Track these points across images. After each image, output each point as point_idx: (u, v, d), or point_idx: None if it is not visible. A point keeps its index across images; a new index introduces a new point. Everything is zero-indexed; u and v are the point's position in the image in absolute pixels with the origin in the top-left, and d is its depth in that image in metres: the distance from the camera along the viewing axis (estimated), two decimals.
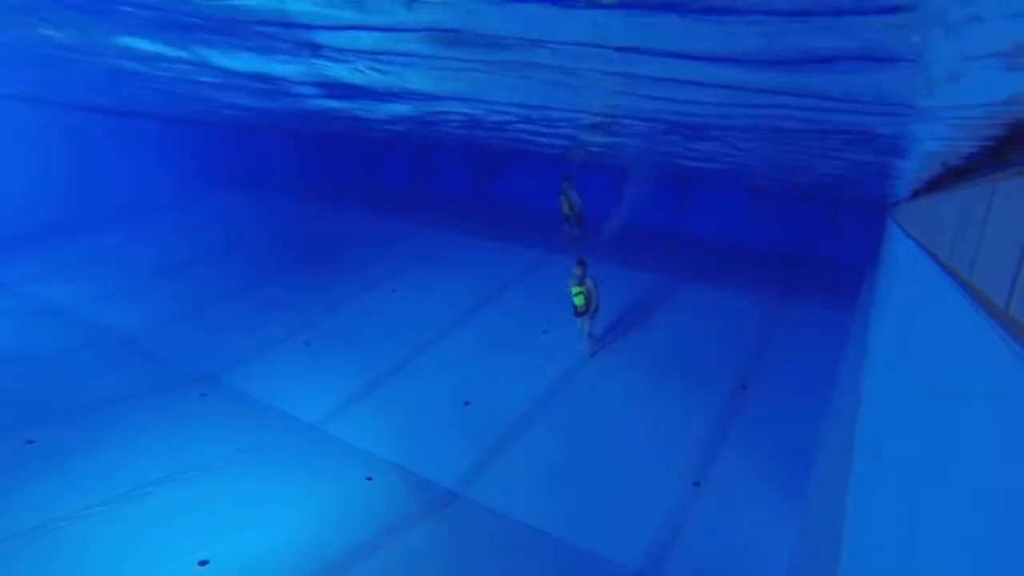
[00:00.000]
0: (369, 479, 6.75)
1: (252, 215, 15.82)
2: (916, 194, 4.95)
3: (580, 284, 8.24)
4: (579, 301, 8.34)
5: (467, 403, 8.06)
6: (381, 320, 10.36)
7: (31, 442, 6.90)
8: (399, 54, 3.12)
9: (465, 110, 5.87)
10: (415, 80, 3.97)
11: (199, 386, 8.74)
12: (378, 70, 3.67)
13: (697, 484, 6.56)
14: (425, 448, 7.35)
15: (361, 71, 3.76)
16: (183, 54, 3.97)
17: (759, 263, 12.49)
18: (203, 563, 5.29)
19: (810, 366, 8.12)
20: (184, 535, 5.61)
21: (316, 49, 3.32)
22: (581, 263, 8.29)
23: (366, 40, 2.93)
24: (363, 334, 9.97)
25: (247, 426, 7.73)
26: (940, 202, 3.29)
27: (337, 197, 16.95)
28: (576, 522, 6.15)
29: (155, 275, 12.83)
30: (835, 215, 13.59)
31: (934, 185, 3.93)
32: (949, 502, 1.32)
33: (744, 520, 6.08)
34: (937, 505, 1.42)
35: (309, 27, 2.84)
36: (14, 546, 5.28)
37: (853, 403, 4.79)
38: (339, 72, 3.96)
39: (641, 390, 8.10)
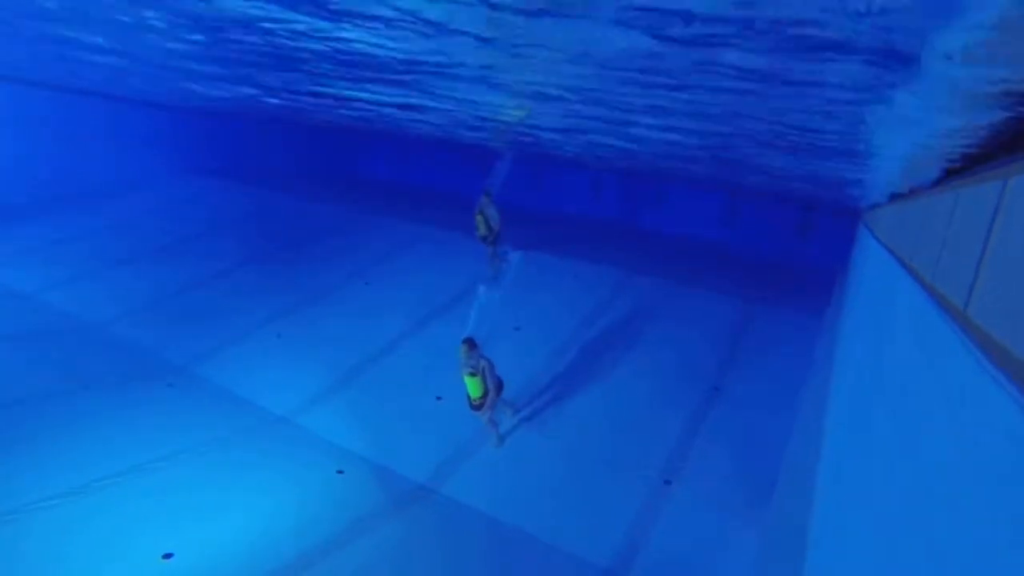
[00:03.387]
0: (340, 472, 6.69)
1: (227, 203, 15.56)
2: (887, 200, 5.04)
3: (474, 370, 6.57)
4: (475, 392, 6.64)
5: (439, 398, 8.02)
6: (355, 312, 10.26)
7: None
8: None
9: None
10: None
11: (167, 376, 8.57)
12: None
13: (668, 483, 6.62)
14: (397, 442, 7.30)
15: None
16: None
17: (733, 266, 12.64)
18: (167, 556, 5.20)
19: (783, 368, 8.24)
20: (148, 527, 5.51)
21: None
22: (469, 342, 6.63)
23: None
24: (336, 326, 9.87)
25: (216, 417, 7.59)
26: (908, 208, 3.35)
27: (313, 188, 16.78)
28: (547, 518, 6.16)
29: (124, 261, 12.54)
30: (809, 219, 13.80)
31: (905, 191, 4.00)
32: (911, 502, 1.34)
33: (712, 518, 6.16)
34: (900, 505, 1.44)
35: None
36: None
37: (820, 405, 4.87)
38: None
39: (615, 387, 8.14)
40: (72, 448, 6.57)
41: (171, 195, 16.03)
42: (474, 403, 6.72)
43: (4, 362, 8.48)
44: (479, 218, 10.58)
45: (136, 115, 16.30)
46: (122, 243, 13.33)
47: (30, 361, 8.58)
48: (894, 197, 4.55)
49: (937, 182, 2.81)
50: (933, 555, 1.07)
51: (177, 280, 11.66)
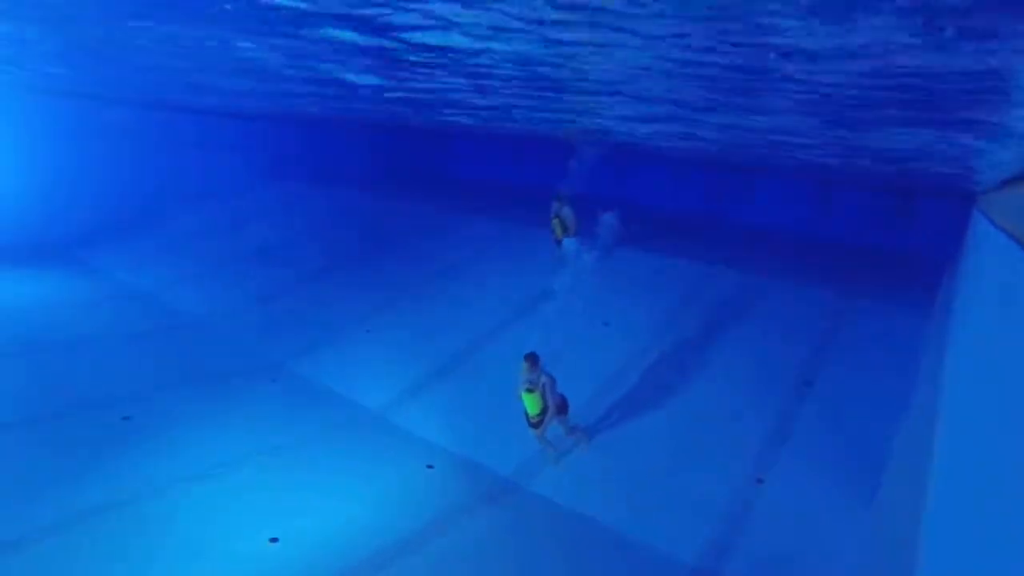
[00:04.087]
0: (430, 467, 6.91)
1: (318, 206, 16.32)
2: (1009, 182, 4.63)
3: (532, 386, 6.36)
4: (533, 408, 6.41)
5: None
6: (443, 310, 10.52)
7: (126, 418, 7.49)
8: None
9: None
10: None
11: (269, 372, 9.14)
12: None
13: (760, 481, 6.41)
14: (485, 438, 7.44)
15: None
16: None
17: (825, 257, 12.00)
18: (274, 540, 5.56)
19: (880, 363, 7.77)
20: (257, 513, 5.92)
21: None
22: (531, 358, 6.40)
23: None
24: (425, 324, 10.16)
25: (314, 412, 8.04)
26: None
27: (401, 188, 17.24)
28: (635, 515, 6.12)
29: (225, 263, 13.47)
30: (910, 205, 12.87)
31: None
32: None
33: (809, 518, 5.90)
34: None
35: None
36: (110, 516, 5.73)
37: (932, 404, 4.56)
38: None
39: (702, 382, 7.95)
40: (190, 438, 7.16)
41: (265, 200, 17.00)
42: (532, 420, 6.49)
43: (131, 357, 9.40)
44: (555, 221, 10.56)
45: (228, 126, 17.40)
46: (224, 247, 14.32)
47: (152, 357, 9.45)
48: (1018, 180, 4.18)
49: None
50: None
51: (274, 280, 12.39)
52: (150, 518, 5.75)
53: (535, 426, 6.50)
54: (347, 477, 6.64)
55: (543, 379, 6.37)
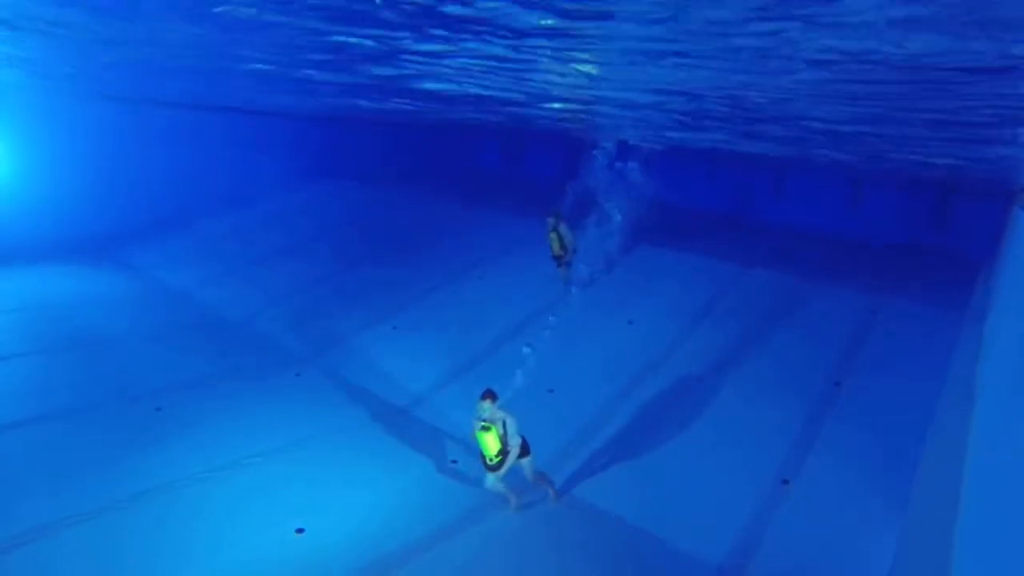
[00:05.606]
0: (455, 462, 6.96)
1: (343, 204, 16.56)
2: None
3: (489, 423, 5.64)
4: (490, 450, 5.68)
5: (551, 390, 8.09)
6: (468, 306, 10.57)
7: (159, 409, 7.72)
8: None
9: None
10: None
11: (296, 366, 9.30)
12: None
13: (785, 482, 6.32)
14: None
15: None
16: None
17: (858, 257, 11.76)
18: (299, 531, 5.66)
19: (912, 363, 7.62)
20: (283, 504, 6.03)
21: None
22: (489, 395, 5.68)
23: None
24: (450, 320, 10.23)
25: (339, 406, 8.15)
26: None
27: (427, 186, 17.36)
28: (659, 513, 6.08)
29: (256, 261, 13.74)
30: (944, 203, 12.54)
31: None
32: None
33: (838, 521, 5.81)
34: None
35: None
36: (141, 503, 5.92)
37: (967, 405, 4.44)
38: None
39: (730, 380, 7.87)
40: (219, 429, 7.34)
41: (296, 200, 17.30)
42: (490, 464, 5.79)
43: (165, 351, 9.68)
44: (553, 236, 10.35)
45: (264, 125, 17.69)
46: (255, 245, 14.62)
47: (184, 352, 9.70)
48: None
49: None
50: None
51: (303, 277, 12.61)
52: (178, 507, 5.90)
53: (493, 470, 5.82)
54: (372, 471, 6.73)
55: (500, 416, 5.72)
